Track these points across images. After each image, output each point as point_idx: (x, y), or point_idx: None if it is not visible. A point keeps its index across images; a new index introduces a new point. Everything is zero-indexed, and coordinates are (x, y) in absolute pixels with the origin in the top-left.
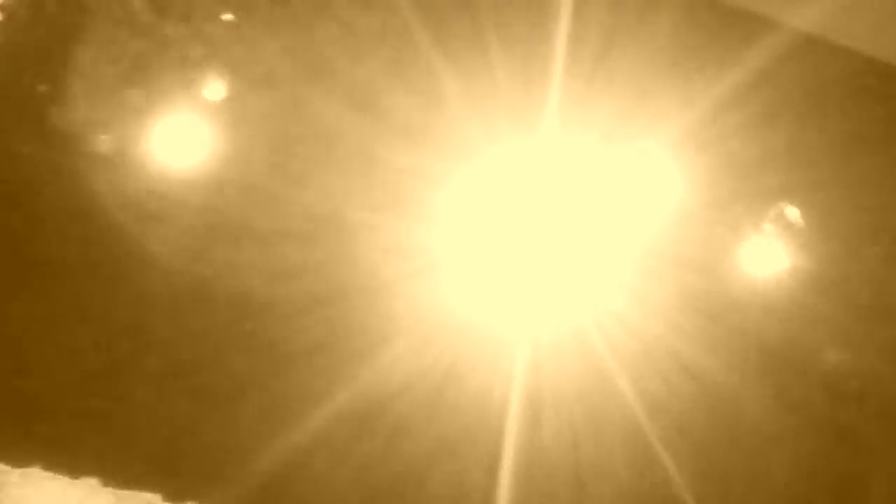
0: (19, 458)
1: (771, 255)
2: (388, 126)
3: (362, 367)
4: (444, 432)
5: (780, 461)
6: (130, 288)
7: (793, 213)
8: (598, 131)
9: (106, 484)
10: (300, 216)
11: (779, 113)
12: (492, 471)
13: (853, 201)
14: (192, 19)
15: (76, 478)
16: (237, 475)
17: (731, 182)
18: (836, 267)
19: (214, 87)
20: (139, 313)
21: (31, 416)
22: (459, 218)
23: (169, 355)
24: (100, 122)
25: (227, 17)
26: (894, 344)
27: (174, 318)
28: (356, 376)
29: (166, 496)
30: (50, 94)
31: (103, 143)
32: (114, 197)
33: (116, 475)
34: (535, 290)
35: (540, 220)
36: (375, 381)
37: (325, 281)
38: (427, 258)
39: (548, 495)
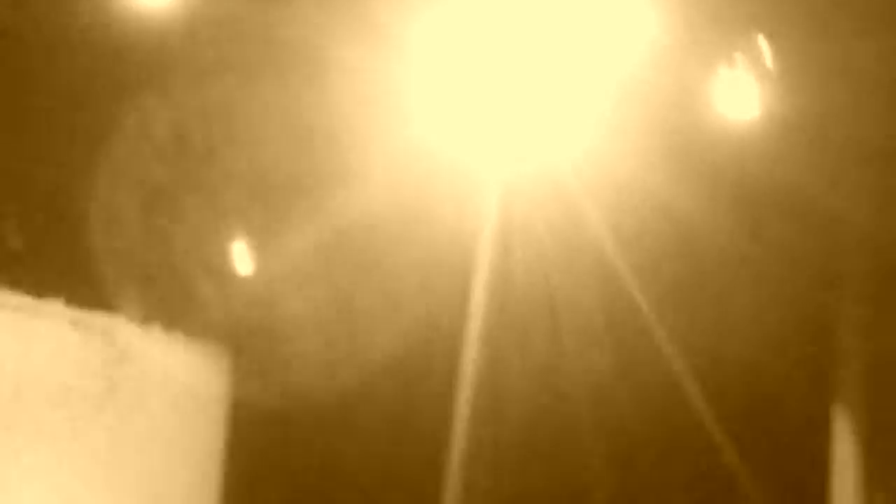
0: None
1: (744, 91)
2: None
3: (337, 200)
4: (416, 265)
5: (749, 292)
6: None
7: (764, 46)
8: None
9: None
10: (275, 49)
11: None
12: (464, 300)
13: (823, 33)
14: None
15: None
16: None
17: (704, 15)
18: (808, 103)
19: None
20: None
21: None
22: (432, 53)
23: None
24: None
25: None
26: (867, 180)
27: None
28: (330, 209)
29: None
30: None
31: None
32: None
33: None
34: (508, 126)
35: (513, 56)
36: (349, 216)
37: (299, 121)
38: (401, 96)
39: (520, 324)
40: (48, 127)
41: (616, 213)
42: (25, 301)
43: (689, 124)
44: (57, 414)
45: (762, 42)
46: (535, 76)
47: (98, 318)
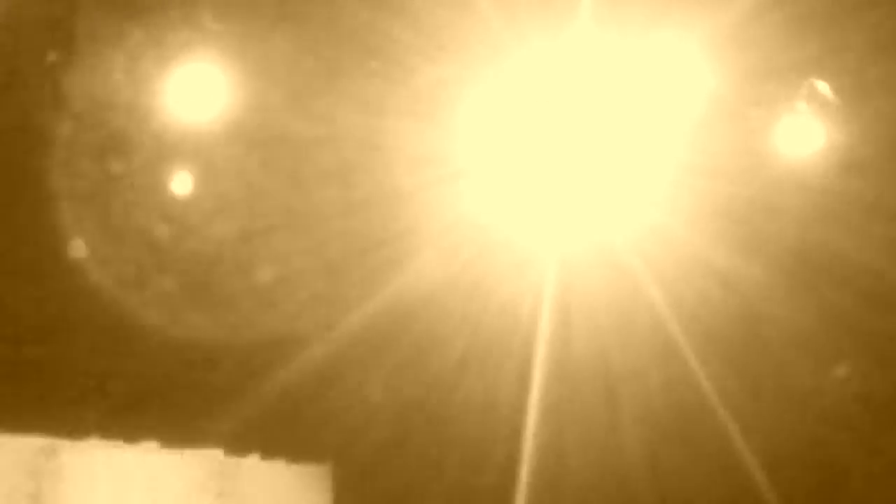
0: (77, 430)
1: (806, 147)
2: (416, 32)
3: (390, 276)
4: (473, 342)
5: (809, 367)
6: None
7: (822, 87)
8: (631, 33)
9: (165, 446)
10: (326, 121)
11: (813, 17)
12: (522, 378)
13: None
14: None
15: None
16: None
17: (771, 84)
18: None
19: None
20: None
21: (86, 390)
22: (488, 125)
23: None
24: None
25: None
26: None
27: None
28: (384, 286)
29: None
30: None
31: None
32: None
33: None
34: (567, 199)
35: (571, 126)
36: (404, 291)
37: (352, 189)
38: (454, 167)
39: (579, 402)
40: None
41: (675, 285)
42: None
43: (750, 193)
44: None
45: (820, 84)
46: (593, 146)
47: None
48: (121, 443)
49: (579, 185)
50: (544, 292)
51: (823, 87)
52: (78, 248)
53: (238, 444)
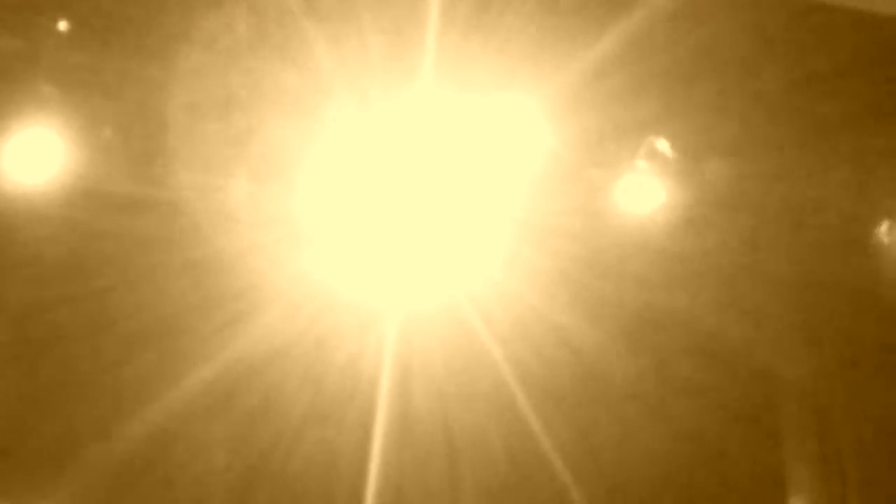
0: None
1: (645, 207)
2: (258, 94)
3: (232, 335)
4: (314, 400)
5: (649, 424)
6: None
7: (664, 148)
8: (472, 91)
9: None
10: (168, 185)
11: (653, 79)
12: (364, 438)
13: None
14: None
15: None
16: (97, 451)
17: (611, 144)
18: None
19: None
20: None
21: None
22: (330, 186)
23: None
24: None
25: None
26: (760, 307)
27: (37, 287)
28: (226, 344)
29: None
30: None
31: None
32: None
33: None
34: (407, 258)
35: (413, 186)
36: (245, 349)
37: (195, 248)
38: (297, 226)
39: (420, 462)
40: None
41: (516, 344)
42: None
43: (589, 255)
44: None
45: (660, 142)
46: (435, 206)
47: None
48: None
49: (420, 243)
50: (386, 350)
51: (663, 145)
52: None
53: None
